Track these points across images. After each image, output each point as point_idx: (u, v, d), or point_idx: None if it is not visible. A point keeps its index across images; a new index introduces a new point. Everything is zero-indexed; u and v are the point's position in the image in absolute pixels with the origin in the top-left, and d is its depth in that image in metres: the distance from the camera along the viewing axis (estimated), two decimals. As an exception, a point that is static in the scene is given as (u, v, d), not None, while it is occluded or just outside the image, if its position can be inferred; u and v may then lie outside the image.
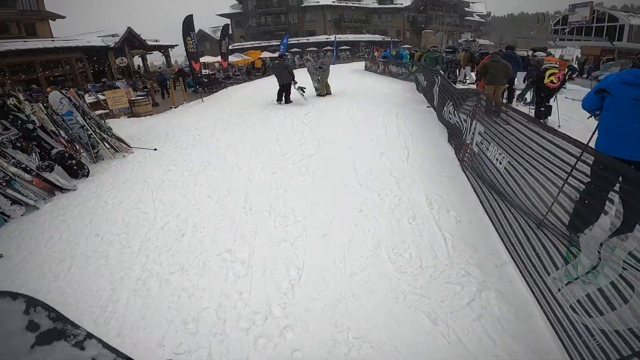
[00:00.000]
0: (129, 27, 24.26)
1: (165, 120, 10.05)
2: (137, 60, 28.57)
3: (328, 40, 39.17)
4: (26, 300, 0.61)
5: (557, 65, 7.70)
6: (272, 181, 4.94)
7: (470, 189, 4.29)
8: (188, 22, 11.79)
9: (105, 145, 6.49)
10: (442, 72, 6.99)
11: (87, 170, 5.94)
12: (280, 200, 4.40)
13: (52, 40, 20.62)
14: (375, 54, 22.97)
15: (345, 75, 17.57)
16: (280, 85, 10.02)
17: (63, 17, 26.54)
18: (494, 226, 3.49)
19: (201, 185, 5.04)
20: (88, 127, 6.31)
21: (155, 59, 34.45)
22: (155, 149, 6.98)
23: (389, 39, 39.14)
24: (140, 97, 11.89)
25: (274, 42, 36.70)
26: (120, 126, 9.84)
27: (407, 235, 3.53)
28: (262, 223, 3.99)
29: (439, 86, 7.17)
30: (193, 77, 12.45)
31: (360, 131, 6.77)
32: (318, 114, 8.46)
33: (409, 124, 7.08)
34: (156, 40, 29.83)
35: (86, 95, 12.68)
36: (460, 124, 5.11)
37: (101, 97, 12.23)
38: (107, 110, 10.58)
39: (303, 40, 40.66)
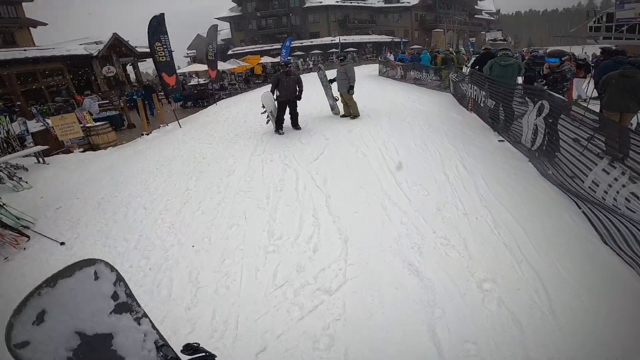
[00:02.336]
0: (114, 33, 21.32)
1: (120, 161, 7.05)
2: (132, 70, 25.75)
3: (333, 42, 36.04)
4: (117, 274, 0.74)
5: None
6: None
7: None
8: (157, 23, 8.77)
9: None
10: (560, 96, 3.86)
11: None
12: None
13: (24, 50, 17.77)
14: (389, 56, 19.78)
15: (359, 83, 14.37)
16: (281, 107, 6.97)
17: (45, 24, 23.70)
18: None
19: None
20: None
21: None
22: (63, 243, 3.96)
23: (398, 39, 35.92)
24: (98, 124, 8.91)
25: (277, 46, 33.60)
26: (56, 172, 6.88)
27: None
28: None
29: (546, 120, 4.04)
30: (165, 93, 9.45)
31: (417, 209, 3.69)
32: (336, 157, 5.38)
33: (497, 188, 3.98)
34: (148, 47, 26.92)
35: (31, 122, 9.78)
36: None
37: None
38: (47, 147, 7.61)
39: (307, 42, 37.56)
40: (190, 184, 5.09)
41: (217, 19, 39.49)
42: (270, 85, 7.09)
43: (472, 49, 24.65)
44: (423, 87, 12.56)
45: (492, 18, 58.20)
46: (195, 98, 14.40)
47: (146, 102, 10.34)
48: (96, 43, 21.21)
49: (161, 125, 10.03)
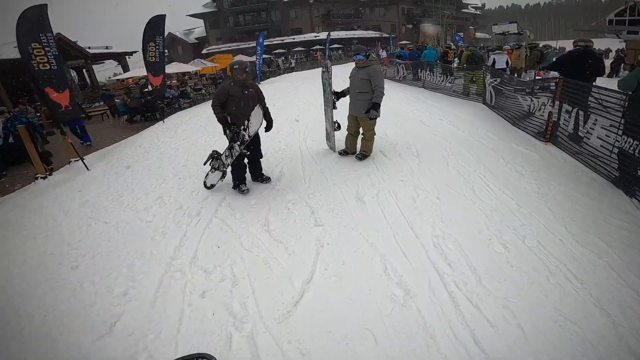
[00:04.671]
0: (58, 33, 17.52)
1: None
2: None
3: (317, 38, 32.85)
4: None
5: None
6: None
7: None
8: (31, 21, 5.49)
9: None
10: None
11: None
12: None
13: None
14: (382, 52, 16.80)
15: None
16: (240, 144, 3.81)
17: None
18: None
19: None
20: None
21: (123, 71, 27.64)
22: None
23: (387, 35, 33.02)
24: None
25: (255, 44, 30.19)
26: None
27: None
28: None
29: None
30: (52, 117, 6.19)
31: None
32: (340, 303, 2.31)
33: None
34: (106, 48, 23.12)
35: None
36: None
37: None
38: None
39: (288, 39, 34.22)
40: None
41: (189, 15, 35.67)
42: (212, 101, 3.84)
43: (460, 44, 21.87)
44: (436, 92, 9.63)
45: (478, 12, 56.03)
46: (144, 110, 11.06)
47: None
48: (33, 44, 17.39)
49: (72, 159, 6.74)
